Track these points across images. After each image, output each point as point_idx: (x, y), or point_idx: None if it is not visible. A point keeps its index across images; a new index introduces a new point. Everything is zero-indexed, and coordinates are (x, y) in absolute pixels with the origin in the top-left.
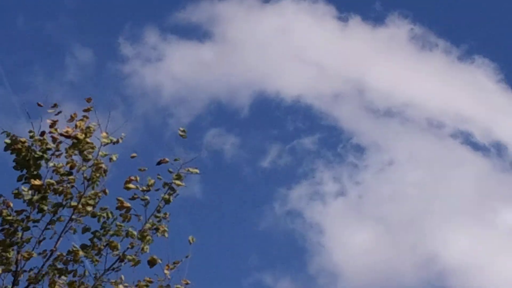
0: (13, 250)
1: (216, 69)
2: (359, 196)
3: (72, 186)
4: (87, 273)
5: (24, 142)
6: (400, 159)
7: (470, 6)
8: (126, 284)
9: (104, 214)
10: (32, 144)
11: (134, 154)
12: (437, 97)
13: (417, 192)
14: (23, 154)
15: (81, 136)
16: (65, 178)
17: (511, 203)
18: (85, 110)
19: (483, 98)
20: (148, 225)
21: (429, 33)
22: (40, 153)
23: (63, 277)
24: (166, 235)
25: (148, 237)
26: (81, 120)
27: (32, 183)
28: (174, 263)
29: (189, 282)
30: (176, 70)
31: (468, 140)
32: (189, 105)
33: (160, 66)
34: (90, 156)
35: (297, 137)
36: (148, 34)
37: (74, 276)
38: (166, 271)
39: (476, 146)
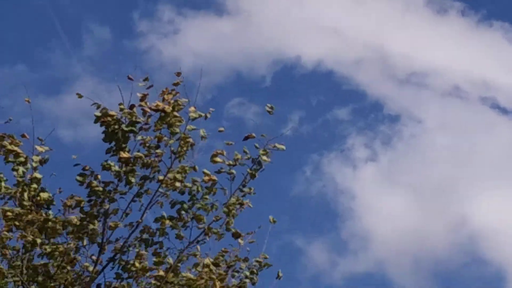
0: (99, 221)
1: (233, 41)
2: (390, 161)
3: (160, 160)
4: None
5: (113, 116)
6: (430, 125)
7: None
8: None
9: (194, 188)
10: (122, 117)
11: (222, 129)
12: (459, 62)
13: (447, 157)
14: (112, 127)
15: (168, 109)
16: (152, 151)
17: None
18: (174, 84)
19: (505, 62)
20: (233, 200)
21: None
22: (129, 126)
23: (148, 248)
24: (250, 205)
25: (233, 211)
26: (170, 94)
27: (121, 155)
28: (247, 233)
29: (267, 256)
30: (193, 43)
31: (495, 105)
32: (209, 77)
33: (177, 40)
34: (177, 130)
35: (322, 104)
36: (162, 8)
37: (160, 247)
38: (240, 241)
39: (504, 111)
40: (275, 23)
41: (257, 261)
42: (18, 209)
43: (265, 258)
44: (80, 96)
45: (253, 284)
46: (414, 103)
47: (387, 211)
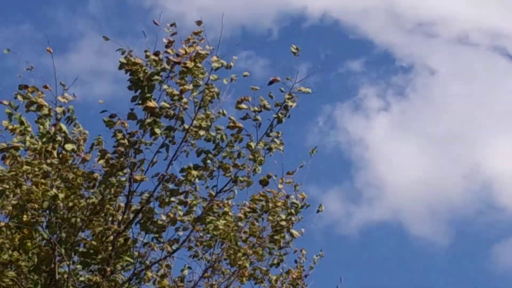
0: (125, 173)
1: None
2: (402, 111)
3: (185, 109)
4: (199, 194)
5: (138, 63)
6: (441, 74)
7: None
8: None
9: (219, 136)
10: (147, 65)
11: (247, 73)
12: (466, 10)
13: (460, 106)
14: (138, 75)
15: (190, 64)
16: (177, 102)
17: None
18: (195, 33)
19: None
20: (261, 145)
21: None
22: (155, 76)
23: (173, 198)
24: (282, 148)
25: (259, 158)
26: (191, 46)
27: (147, 104)
28: (287, 173)
29: (305, 196)
30: None
31: (505, 52)
32: (215, 32)
33: None
34: (200, 82)
35: (331, 55)
36: None
37: (185, 197)
38: (280, 185)
39: None
40: None
41: (293, 203)
42: (44, 167)
43: (303, 198)
44: (106, 39)
45: (292, 224)
46: (424, 52)
47: (401, 160)
